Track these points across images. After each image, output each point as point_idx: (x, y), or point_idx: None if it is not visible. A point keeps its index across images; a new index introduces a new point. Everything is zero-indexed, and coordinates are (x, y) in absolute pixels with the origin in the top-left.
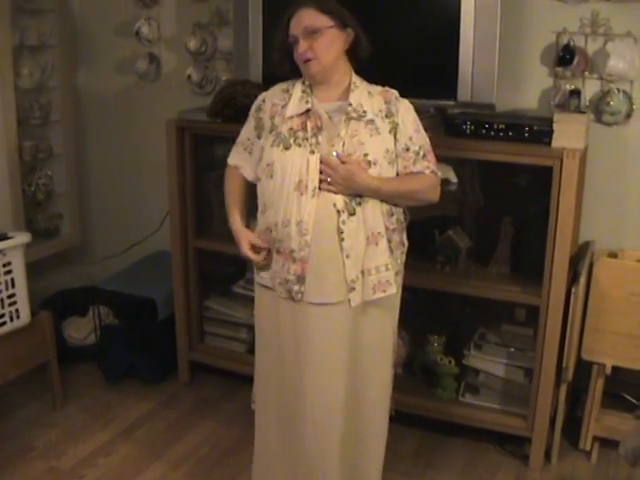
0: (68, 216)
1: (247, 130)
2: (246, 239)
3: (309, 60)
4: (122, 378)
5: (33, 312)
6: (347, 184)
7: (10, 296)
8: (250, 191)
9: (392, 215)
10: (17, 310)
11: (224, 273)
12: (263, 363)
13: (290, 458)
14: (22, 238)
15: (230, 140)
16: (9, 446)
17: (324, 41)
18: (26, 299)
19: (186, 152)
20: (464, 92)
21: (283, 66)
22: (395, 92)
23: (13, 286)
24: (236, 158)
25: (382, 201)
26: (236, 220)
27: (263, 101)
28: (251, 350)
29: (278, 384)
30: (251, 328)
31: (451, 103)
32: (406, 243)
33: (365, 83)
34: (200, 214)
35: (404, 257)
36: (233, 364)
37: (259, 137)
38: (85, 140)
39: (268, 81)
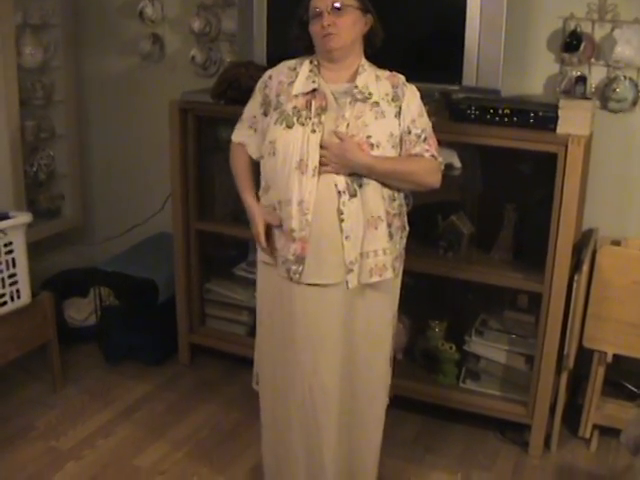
0: (70, 197)
1: (252, 107)
2: (262, 218)
3: (330, 34)
4: (122, 359)
5: (34, 292)
6: (341, 161)
7: (11, 276)
8: (256, 169)
9: (394, 200)
10: (18, 290)
11: (225, 255)
12: (265, 342)
13: (294, 437)
14: (23, 218)
15: (234, 122)
16: (9, 426)
17: (349, 19)
18: (27, 279)
19: (189, 134)
20: (469, 77)
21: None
22: (402, 77)
23: (14, 266)
24: (240, 135)
25: (384, 185)
26: (250, 199)
27: (269, 78)
28: (252, 333)
29: (279, 362)
30: (252, 311)
31: (456, 88)
32: (407, 227)
33: (374, 67)
34: (202, 196)
35: (404, 241)
36: (234, 346)
37: (265, 114)
38: (88, 121)
39: (272, 63)
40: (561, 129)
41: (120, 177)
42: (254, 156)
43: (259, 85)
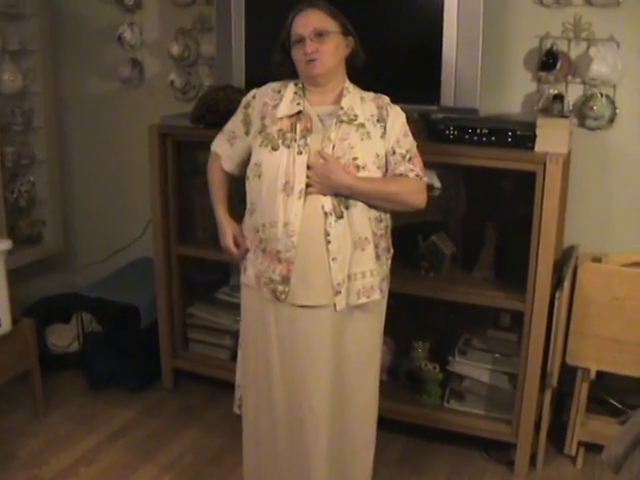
0: (51, 223)
1: (233, 122)
2: (230, 231)
3: (314, 60)
4: (105, 386)
5: (15, 319)
6: (324, 182)
7: None
8: (232, 180)
9: (380, 221)
10: None
11: (207, 280)
12: (249, 366)
13: (280, 462)
14: (3, 245)
15: None
16: None
17: (331, 44)
18: (7, 306)
19: (168, 158)
20: (447, 97)
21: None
22: (387, 98)
23: None
24: (219, 146)
25: (370, 207)
26: (221, 212)
27: (253, 97)
28: (235, 357)
29: (264, 387)
30: (235, 335)
31: (434, 108)
32: (391, 249)
33: (358, 89)
34: (183, 221)
35: (389, 262)
36: (217, 371)
37: (247, 133)
38: (68, 146)
39: (250, 86)
40: (539, 147)
41: (101, 202)
42: (225, 168)
43: (242, 102)
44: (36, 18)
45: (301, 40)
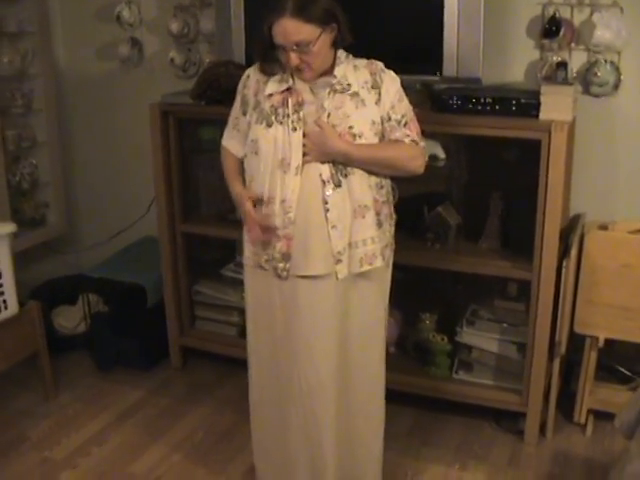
0: (54, 205)
1: (235, 108)
2: (247, 197)
3: (300, 69)
4: (114, 366)
5: (21, 302)
6: (320, 149)
7: None
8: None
9: (382, 187)
10: (5, 301)
11: (213, 257)
12: (255, 342)
13: (287, 435)
14: (8, 228)
15: (215, 122)
16: (2, 438)
17: (315, 50)
18: (14, 289)
19: (171, 136)
20: (450, 67)
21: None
22: (380, 64)
23: (0, 277)
24: (227, 138)
25: (370, 173)
26: (238, 187)
27: (247, 77)
28: (243, 333)
29: (270, 362)
30: (242, 311)
31: (437, 78)
32: (394, 215)
33: (350, 57)
34: (187, 198)
35: (393, 229)
36: (225, 348)
37: (244, 114)
38: (69, 127)
39: (251, 61)
40: (544, 115)
41: (104, 182)
42: (239, 155)
43: (239, 86)
44: None
45: (284, 49)
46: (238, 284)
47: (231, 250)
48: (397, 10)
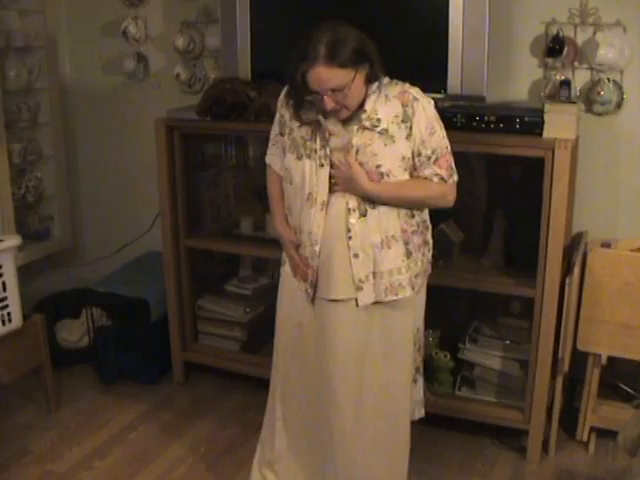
0: (59, 218)
1: (274, 127)
2: (290, 243)
3: (336, 111)
4: (116, 380)
5: (25, 315)
6: (348, 185)
7: (1, 300)
8: None
9: (413, 217)
10: (9, 314)
11: (216, 272)
12: (282, 345)
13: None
14: (13, 241)
15: (220, 138)
16: (4, 451)
17: (350, 93)
18: (18, 302)
19: (176, 151)
20: (454, 85)
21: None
22: (414, 92)
23: (4, 290)
24: (270, 155)
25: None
26: (279, 226)
27: (285, 96)
28: (245, 348)
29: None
30: (244, 327)
31: (441, 96)
32: (430, 241)
33: (383, 84)
34: (191, 213)
35: (429, 256)
36: (228, 363)
37: (282, 134)
38: (74, 141)
39: (257, 78)
40: (547, 133)
41: (109, 196)
42: (281, 173)
43: (278, 103)
44: (40, 14)
45: (318, 93)
46: (241, 299)
47: (234, 265)
48: (402, 28)
